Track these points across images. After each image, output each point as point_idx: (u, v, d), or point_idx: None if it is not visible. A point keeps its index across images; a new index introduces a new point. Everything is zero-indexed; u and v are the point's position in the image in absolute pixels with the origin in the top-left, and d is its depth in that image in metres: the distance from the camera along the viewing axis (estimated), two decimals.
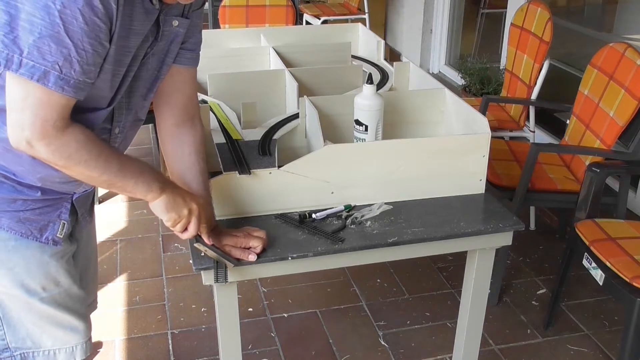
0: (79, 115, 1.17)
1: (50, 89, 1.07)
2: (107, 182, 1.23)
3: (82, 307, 1.45)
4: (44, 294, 1.35)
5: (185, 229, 1.35)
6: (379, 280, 2.72)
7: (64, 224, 1.35)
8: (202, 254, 1.43)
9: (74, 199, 1.36)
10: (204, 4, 1.38)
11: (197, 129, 1.48)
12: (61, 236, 1.34)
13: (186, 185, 1.43)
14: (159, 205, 1.31)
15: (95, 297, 1.65)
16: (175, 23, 1.28)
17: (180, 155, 1.46)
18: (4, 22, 1.03)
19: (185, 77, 1.42)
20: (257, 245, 1.44)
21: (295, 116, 1.89)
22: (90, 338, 1.47)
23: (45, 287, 1.35)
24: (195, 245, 1.41)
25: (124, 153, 1.28)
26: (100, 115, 1.24)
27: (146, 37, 1.22)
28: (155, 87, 1.36)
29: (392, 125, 1.89)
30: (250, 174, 1.55)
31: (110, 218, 3.16)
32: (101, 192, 3.33)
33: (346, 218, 1.59)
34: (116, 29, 1.11)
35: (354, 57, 2.64)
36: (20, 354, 1.38)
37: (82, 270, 1.48)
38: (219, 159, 1.63)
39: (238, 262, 1.42)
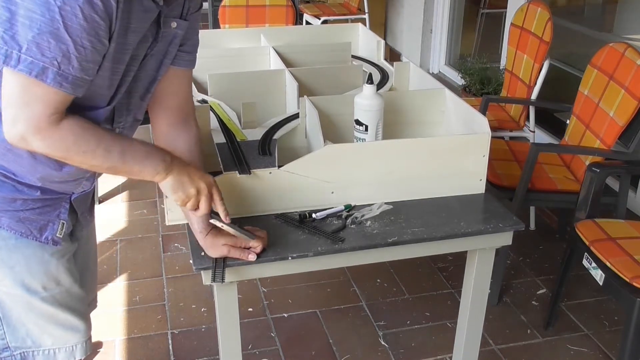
0: (79, 114, 1.17)
1: (48, 85, 1.07)
2: (112, 169, 1.23)
3: (83, 306, 1.46)
4: (44, 293, 1.35)
5: (197, 207, 1.36)
6: (379, 280, 2.72)
7: (63, 223, 1.35)
8: (202, 254, 1.43)
9: (72, 199, 1.37)
10: (201, 6, 1.39)
11: (192, 128, 1.48)
12: (60, 236, 1.35)
13: None
14: (166, 186, 1.32)
15: (95, 295, 1.66)
16: (174, 25, 1.29)
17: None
18: (4, 19, 1.03)
19: (181, 78, 1.43)
20: (257, 245, 1.43)
21: (295, 116, 1.89)
22: (90, 337, 1.47)
23: (46, 286, 1.35)
24: (211, 221, 1.39)
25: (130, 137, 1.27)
26: (100, 115, 1.24)
27: (146, 38, 1.22)
28: (153, 88, 1.36)
29: (392, 125, 1.89)
30: (250, 174, 1.55)
31: (110, 218, 3.16)
32: (101, 192, 3.34)
33: (346, 218, 1.59)
34: (116, 27, 1.11)
35: (354, 57, 2.64)
36: (20, 353, 1.38)
37: (81, 269, 1.48)
38: (219, 159, 1.63)
39: (256, 253, 1.42)
